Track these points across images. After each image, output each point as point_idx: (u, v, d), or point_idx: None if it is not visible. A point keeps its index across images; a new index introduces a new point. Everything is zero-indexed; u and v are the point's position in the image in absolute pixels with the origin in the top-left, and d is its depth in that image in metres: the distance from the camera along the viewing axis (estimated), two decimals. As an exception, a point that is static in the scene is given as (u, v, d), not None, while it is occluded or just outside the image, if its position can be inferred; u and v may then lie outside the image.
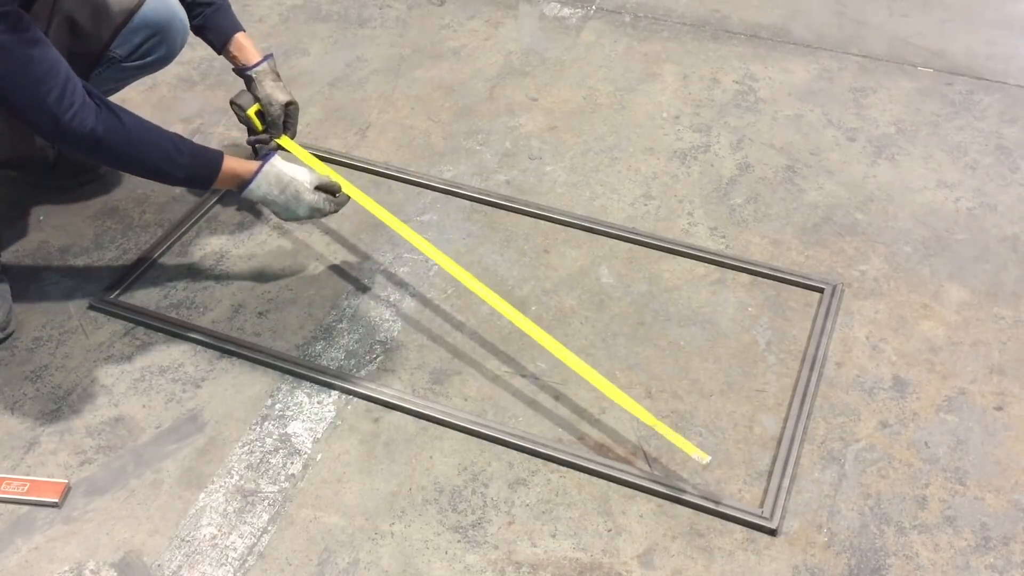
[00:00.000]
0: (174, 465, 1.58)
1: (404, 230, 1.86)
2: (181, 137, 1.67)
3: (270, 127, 1.96)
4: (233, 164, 1.72)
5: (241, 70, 1.93)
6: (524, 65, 2.56)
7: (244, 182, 1.73)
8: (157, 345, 1.78)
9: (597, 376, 1.63)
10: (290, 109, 1.96)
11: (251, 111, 1.93)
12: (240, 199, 1.83)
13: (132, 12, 1.83)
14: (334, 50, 2.61)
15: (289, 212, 1.79)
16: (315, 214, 1.81)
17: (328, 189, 1.81)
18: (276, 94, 1.92)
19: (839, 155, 2.27)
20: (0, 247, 1.89)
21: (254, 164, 1.74)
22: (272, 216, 2.06)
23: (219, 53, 1.94)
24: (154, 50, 1.92)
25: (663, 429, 1.56)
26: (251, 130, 1.97)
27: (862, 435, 1.64)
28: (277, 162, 1.76)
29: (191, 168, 1.67)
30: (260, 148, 1.98)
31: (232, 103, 1.94)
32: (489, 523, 1.50)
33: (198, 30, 1.93)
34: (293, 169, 1.77)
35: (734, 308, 1.87)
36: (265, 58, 1.93)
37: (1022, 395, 1.71)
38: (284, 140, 1.98)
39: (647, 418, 1.57)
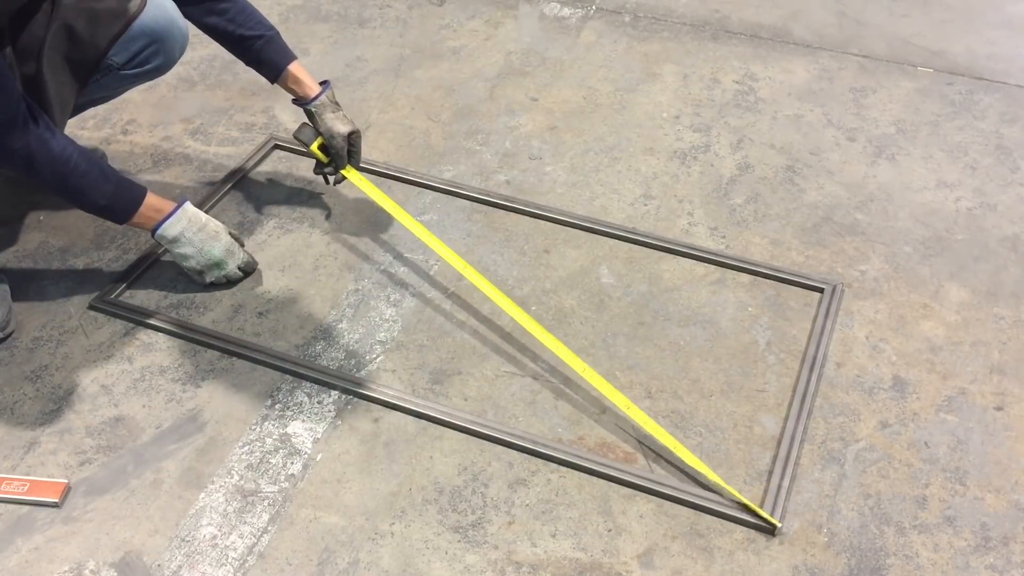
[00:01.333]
0: (174, 465, 1.58)
1: (406, 218, 1.90)
2: (110, 166, 1.74)
3: (334, 158, 1.98)
4: (154, 200, 1.77)
5: (301, 103, 1.94)
6: (524, 65, 2.56)
7: (160, 219, 1.77)
8: (157, 345, 1.78)
9: (608, 386, 1.63)
10: (353, 138, 1.96)
11: (314, 147, 1.95)
12: (156, 237, 1.79)
13: (130, 20, 1.82)
14: (334, 50, 2.61)
15: (203, 255, 1.82)
16: (229, 258, 1.85)
17: (239, 241, 1.89)
18: (337, 126, 1.93)
19: (839, 155, 2.27)
20: (0, 247, 1.89)
21: (171, 203, 1.79)
22: (272, 216, 2.06)
23: (274, 83, 1.94)
24: (152, 58, 1.91)
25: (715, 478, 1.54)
26: (318, 163, 2.00)
27: (862, 435, 1.64)
28: (191, 206, 1.82)
29: (114, 196, 1.71)
30: (330, 178, 2.01)
31: (296, 138, 1.96)
32: (489, 523, 1.50)
33: (252, 63, 1.92)
34: (207, 216, 1.85)
35: (734, 308, 1.87)
36: (323, 89, 1.94)
37: (1022, 395, 1.71)
38: (349, 171, 2.00)
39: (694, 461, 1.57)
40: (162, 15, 1.87)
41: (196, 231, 1.81)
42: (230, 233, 1.87)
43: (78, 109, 1.92)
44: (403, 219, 1.92)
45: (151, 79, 2.00)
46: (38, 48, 1.67)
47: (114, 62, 1.86)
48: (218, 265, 1.85)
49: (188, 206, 1.81)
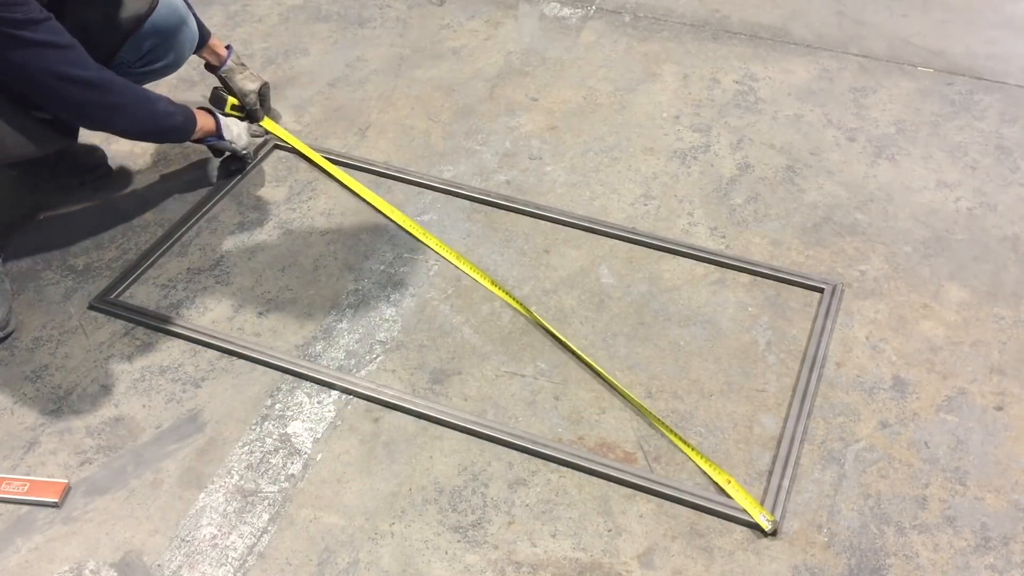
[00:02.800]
0: (174, 465, 1.58)
1: (357, 187, 2.12)
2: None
3: (249, 114, 2.22)
4: (200, 115, 1.97)
5: (214, 69, 2.17)
6: (524, 65, 2.56)
7: (215, 128, 2.02)
8: (157, 345, 1.78)
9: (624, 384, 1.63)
10: (263, 91, 2.22)
11: (228, 108, 2.18)
12: (223, 143, 2.05)
13: (143, 18, 1.86)
14: (334, 50, 2.61)
15: (245, 134, 2.11)
16: (256, 134, 2.22)
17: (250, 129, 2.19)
18: (247, 84, 2.18)
19: (839, 155, 2.27)
20: (0, 247, 1.89)
21: (209, 115, 2.02)
22: (272, 216, 2.07)
23: (196, 53, 2.12)
24: (162, 56, 1.94)
25: (733, 486, 1.55)
26: (217, 153, 2.19)
27: (862, 435, 1.64)
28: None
29: (183, 114, 1.90)
30: (243, 153, 2.19)
31: (211, 103, 2.18)
32: (489, 523, 1.50)
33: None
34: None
35: (734, 308, 1.87)
36: (229, 53, 2.16)
37: (1022, 395, 1.71)
38: (267, 123, 2.27)
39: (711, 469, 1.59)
40: (173, 14, 1.90)
41: (228, 124, 2.06)
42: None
43: None
44: (356, 188, 2.13)
45: (159, 77, 2.01)
46: None
47: (125, 59, 1.89)
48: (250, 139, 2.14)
49: (220, 116, 2.06)
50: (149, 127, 1.85)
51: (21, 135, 1.71)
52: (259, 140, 2.23)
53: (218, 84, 2.20)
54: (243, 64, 2.19)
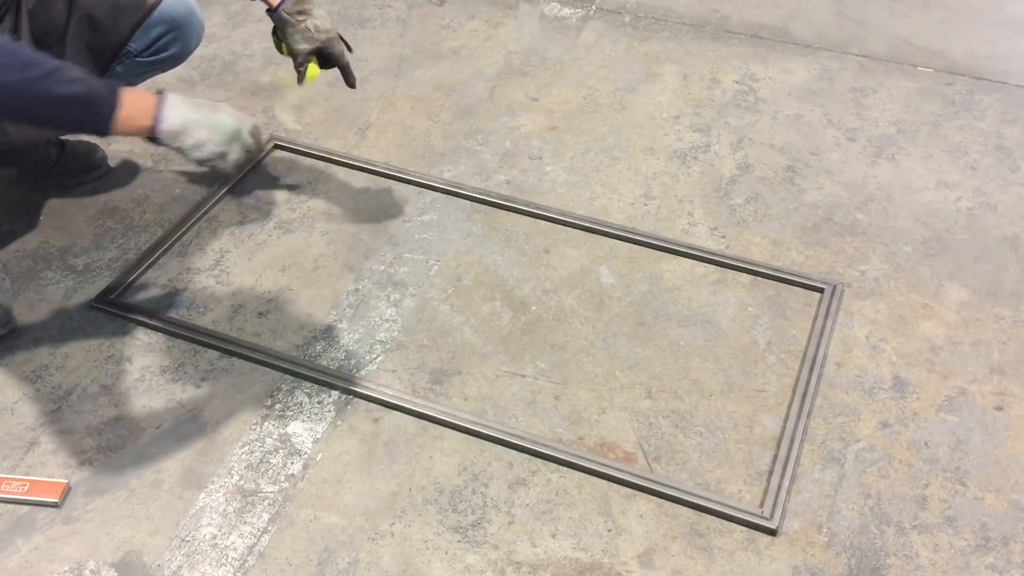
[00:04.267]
0: (174, 465, 1.58)
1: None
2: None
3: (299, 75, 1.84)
4: (133, 92, 1.42)
5: (270, 11, 1.80)
6: (524, 65, 2.56)
7: (155, 110, 1.44)
8: (157, 345, 1.78)
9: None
10: (327, 52, 1.81)
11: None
12: (162, 134, 1.45)
13: (152, 7, 1.86)
14: (334, 50, 2.61)
15: (219, 129, 1.50)
16: (241, 123, 1.54)
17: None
18: (298, 43, 1.79)
19: (839, 155, 2.27)
20: (0, 247, 1.89)
21: (152, 93, 1.46)
22: (272, 216, 2.06)
23: None
24: (170, 45, 1.94)
25: None
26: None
27: (862, 435, 1.64)
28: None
29: (89, 85, 1.35)
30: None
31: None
32: (489, 523, 1.50)
33: None
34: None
35: (734, 308, 1.87)
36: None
37: (1022, 395, 1.71)
38: (311, 74, 1.86)
39: None
40: (180, 3, 1.91)
41: (196, 107, 1.49)
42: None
43: None
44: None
45: (165, 69, 2.02)
46: (60, 35, 1.70)
47: (132, 48, 1.90)
48: (236, 135, 1.53)
49: (168, 93, 1.48)
50: (18, 90, 1.29)
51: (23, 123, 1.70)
52: (237, 154, 1.56)
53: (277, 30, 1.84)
54: (304, 11, 1.76)
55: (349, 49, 1.88)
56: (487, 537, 1.48)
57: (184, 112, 1.46)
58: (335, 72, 2.54)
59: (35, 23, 1.67)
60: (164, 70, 2.02)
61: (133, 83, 2.04)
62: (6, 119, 1.52)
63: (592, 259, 1.97)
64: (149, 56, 1.94)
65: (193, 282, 1.91)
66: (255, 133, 1.59)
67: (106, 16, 1.80)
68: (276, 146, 2.26)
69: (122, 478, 1.56)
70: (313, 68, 1.87)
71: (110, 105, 1.37)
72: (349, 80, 1.92)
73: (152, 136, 1.45)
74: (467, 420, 1.63)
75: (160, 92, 1.47)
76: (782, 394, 1.70)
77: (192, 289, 1.89)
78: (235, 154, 1.54)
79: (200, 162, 1.52)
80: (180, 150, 1.49)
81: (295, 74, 1.84)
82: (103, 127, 1.38)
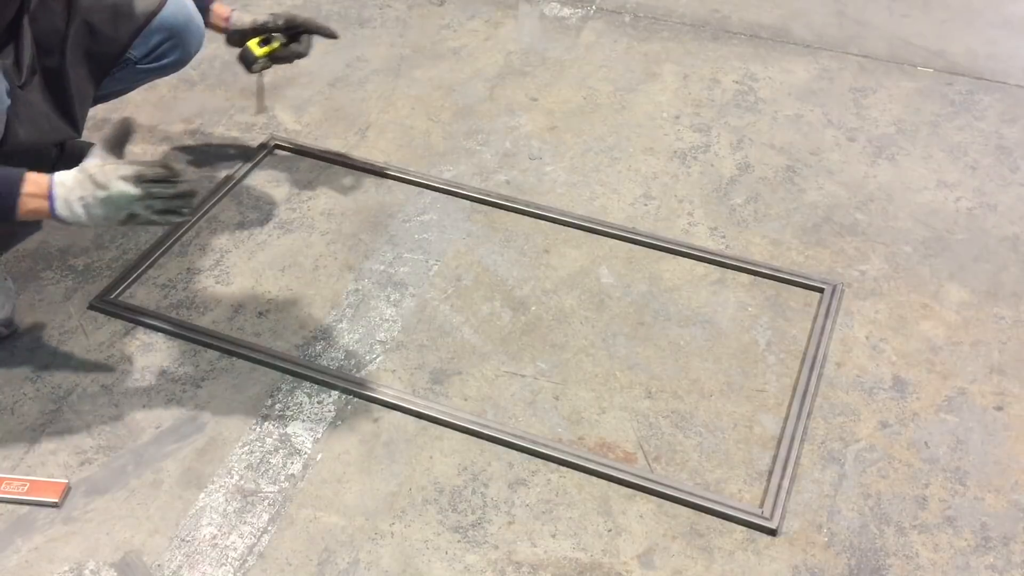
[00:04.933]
0: (174, 465, 1.58)
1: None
2: None
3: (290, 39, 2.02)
4: (33, 176, 1.47)
5: (227, 34, 2.00)
6: (524, 65, 2.56)
7: (45, 204, 1.46)
8: (157, 345, 1.78)
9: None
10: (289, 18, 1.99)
11: (262, 55, 2.00)
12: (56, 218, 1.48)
13: (152, 15, 1.86)
14: (334, 50, 2.61)
15: (111, 203, 1.46)
16: (137, 189, 1.46)
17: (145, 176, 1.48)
18: (259, 16, 1.97)
19: (839, 155, 2.27)
20: (0, 247, 1.89)
21: (45, 175, 1.48)
22: (272, 216, 2.06)
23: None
24: (169, 52, 1.94)
25: None
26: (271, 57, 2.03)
27: (862, 435, 1.64)
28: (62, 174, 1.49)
29: None
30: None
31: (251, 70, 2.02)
32: (489, 523, 1.50)
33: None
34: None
35: (734, 308, 1.87)
36: (230, 11, 1.99)
37: (1022, 395, 1.71)
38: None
39: None
40: (181, 11, 1.91)
41: (82, 185, 1.46)
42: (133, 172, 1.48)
43: (92, 103, 1.95)
44: None
45: (165, 74, 2.02)
46: (60, 41, 1.70)
47: (132, 56, 1.90)
48: (133, 199, 1.47)
49: (58, 174, 1.48)
50: None
51: (32, 123, 1.71)
52: (150, 210, 1.49)
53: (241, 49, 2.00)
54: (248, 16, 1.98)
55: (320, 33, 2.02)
56: (487, 537, 1.48)
57: (70, 195, 1.46)
58: (335, 72, 2.53)
59: (36, 28, 1.67)
60: (164, 75, 2.02)
61: (130, 88, 2.05)
62: None
63: (592, 259, 1.97)
64: (149, 63, 1.94)
65: (193, 282, 1.91)
66: (164, 175, 1.49)
67: (105, 24, 1.80)
68: (276, 146, 2.26)
69: (122, 478, 1.56)
70: (254, 47, 2.00)
71: (11, 196, 1.44)
72: (325, 32, 2.03)
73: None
74: (467, 420, 1.63)
75: (51, 177, 1.47)
76: (782, 394, 1.70)
77: (192, 289, 1.89)
78: (145, 212, 1.48)
79: (87, 225, 1.50)
80: (72, 221, 1.48)
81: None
82: (6, 215, 1.45)
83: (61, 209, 1.47)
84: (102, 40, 1.79)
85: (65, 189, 1.47)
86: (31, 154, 2.01)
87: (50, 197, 1.47)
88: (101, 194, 1.46)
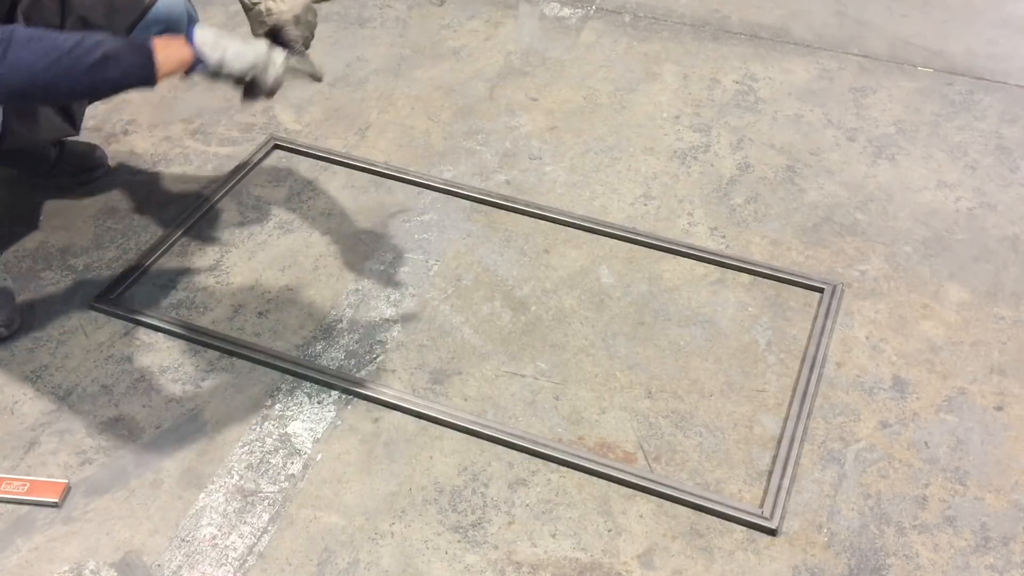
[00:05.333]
0: (174, 465, 1.58)
1: None
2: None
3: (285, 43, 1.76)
4: (163, 44, 1.50)
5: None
6: (524, 65, 2.56)
7: (190, 54, 1.53)
8: (157, 345, 1.78)
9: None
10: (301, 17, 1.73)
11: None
12: (213, 65, 1.55)
13: (147, 8, 1.86)
14: (334, 50, 2.61)
15: (252, 45, 1.57)
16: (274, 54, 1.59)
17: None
18: (274, 3, 1.72)
19: (839, 155, 2.27)
20: (0, 247, 1.89)
21: (177, 41, 1.54)
22: (272, 216, 2.06)
23: None
24: None
25: None
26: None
27: (862, 435, 1.64)
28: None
29: (113, 45, 1.43)
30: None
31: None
32: (489, 523, 1.50)
33: None
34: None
35: (734, 308, 1.87)
36: None
37: (1022, 395, 1.71)
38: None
39: None
40: (176, 3, 1.90)
41: (227, 40, 1.57)
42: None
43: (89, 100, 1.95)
44: None
45: None
46: None
47: None
48: (267, 55, 1.60)
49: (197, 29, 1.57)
50: (59, 69, 1.38)
51: (31, 121, 1.71)
52: (280, 63, 1.62)
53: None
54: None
55: (311, 37, 1.75)
56: (487, 537, 1.48)
57: (215, 31, 1.57)
58: (335, 72, 2.53)
59: (31, 26, 1.67)
60: None
61: None
62: (62, 101, 1.59)
63: (592, 259, 1.97)
64: None
65: (193, 282, 1.91)
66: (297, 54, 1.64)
67: (101, 18, 1.80)
68: (276, 146, 2.26)
69: (122, 478, 1.56)
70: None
71: (146, 51, 1.46)
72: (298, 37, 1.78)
73: (190, 68, 1.53)
74: (467, 420, 1.63)
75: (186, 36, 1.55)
76: (782, 394, 1.70)
77: (192, 289, 1.89)
78: (273, 71, 1.60)
79: (241, 76, 1.58)
80: (220, 65, 1.56)
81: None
82: (149, 75, 1.47)
83: (205, 35, 1.54)
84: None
85: (209, 37, 1.55)
86: (30, 153, 2.02)
87: (190, 32, 1.54)
88: (241, 38, 1.56)
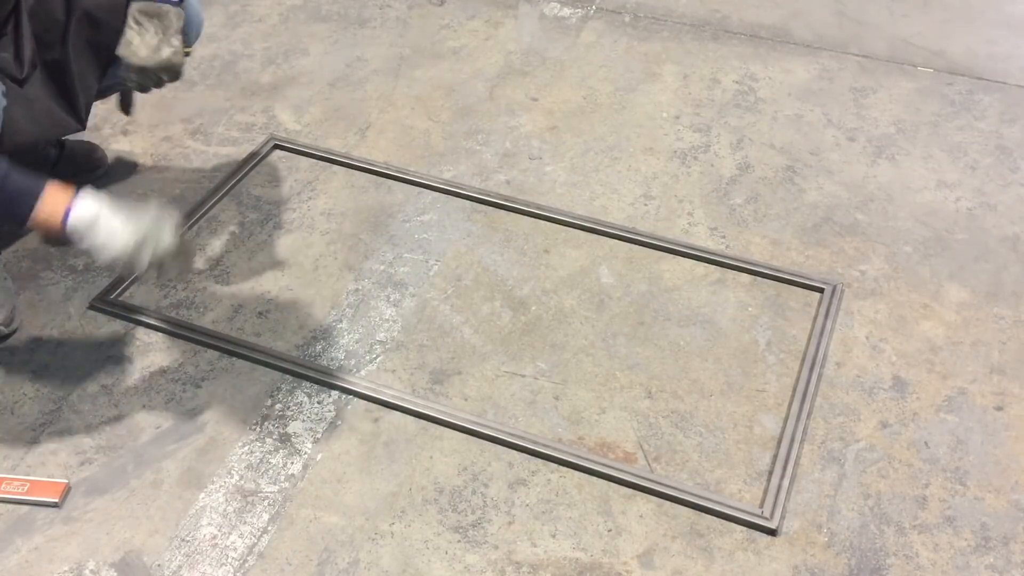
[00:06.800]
0: (174, 465, 1.58)
1: None
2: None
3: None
4: (51, 194, 1.47)
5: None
6: (524, 65, 2.56)
7: (59, 221, 1.46)
8: (157, 345, 1.78)
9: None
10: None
11: None
12: (68, 227, 1.47)
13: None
14: (334, 50, 2.61)
15: (128, 232, 1.48)
16: (159, 233, 1.51)
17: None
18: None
19: (839, 155, 2.27)
20: (0, 247, 1.89)
21: (63, 196, 1.49)
22: (272, 216, 2.06)
23: None
24: None
25: None
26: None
27: (862, 435, 1.64)
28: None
29: (10, 181, 1.43)
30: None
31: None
32: (489, 523, 1.50)
33: None
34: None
35: (734, 308, 1.87)
36: None
37: (1022, 395, 1.71)
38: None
39: None
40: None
41: (108, 209, 1.49)
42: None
43: (96, 96, 1.94)
44: None
45: None
46: (61, 33, 1.70)
47: None
48: (143, 243, 1.49)
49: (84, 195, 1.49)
50: None
51: (34, 118, 1.71)
52: (168, 234, 1.52)
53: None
54: (149, 15, 1.69)
55: (152, 87, 1.74)
56: (487, 537, 1.48)
57: (97, 206, 1.48)
58: (335, 72, 2.53)
59: (36, 23, 1.67)
60: None
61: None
62: None
63: (592, 259, 1.97)
64: None
65: (193, 282, 1.91)
66: (174, 248, 1.53)
67: (106, 14, 1.80)
68: (276, 146, 2.26)
69: (122, 478, 1.56)
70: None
71: (32, 195, 1.45)
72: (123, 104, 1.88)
73: (61, 236, 1.46)
74: (467, 420, 1.63)
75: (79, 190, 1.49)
76: (782, 394, 1.70)
77: (192, 289, 1.89)
78: (143, 258, 1.50)
79: (116, 261, 1.49)
80: (90, 252, 1.49)
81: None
82: (22, 217, 1.45)
83: (77, 211, 1.46)
84: (105, 30, 1.79)
85: (93, 199, 1.48)
86: (31, 153, 2.02)
87: (64, 216, 1.46)
88: (123, 217, 1.47)
